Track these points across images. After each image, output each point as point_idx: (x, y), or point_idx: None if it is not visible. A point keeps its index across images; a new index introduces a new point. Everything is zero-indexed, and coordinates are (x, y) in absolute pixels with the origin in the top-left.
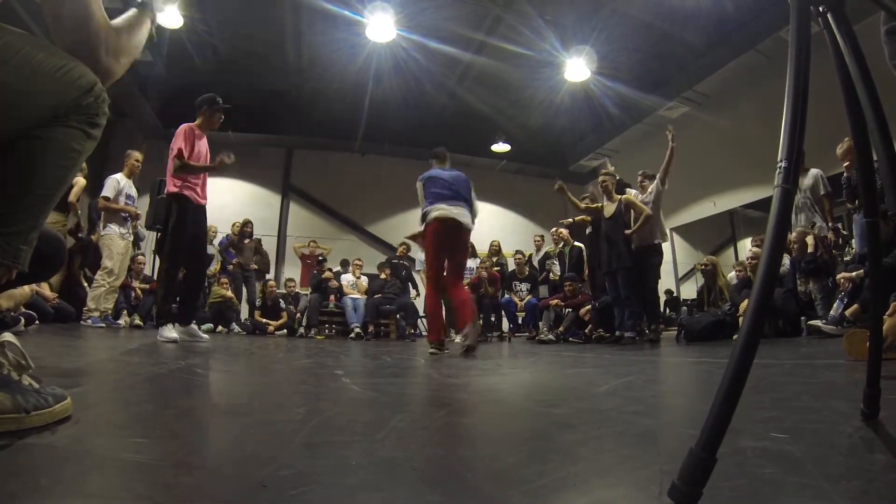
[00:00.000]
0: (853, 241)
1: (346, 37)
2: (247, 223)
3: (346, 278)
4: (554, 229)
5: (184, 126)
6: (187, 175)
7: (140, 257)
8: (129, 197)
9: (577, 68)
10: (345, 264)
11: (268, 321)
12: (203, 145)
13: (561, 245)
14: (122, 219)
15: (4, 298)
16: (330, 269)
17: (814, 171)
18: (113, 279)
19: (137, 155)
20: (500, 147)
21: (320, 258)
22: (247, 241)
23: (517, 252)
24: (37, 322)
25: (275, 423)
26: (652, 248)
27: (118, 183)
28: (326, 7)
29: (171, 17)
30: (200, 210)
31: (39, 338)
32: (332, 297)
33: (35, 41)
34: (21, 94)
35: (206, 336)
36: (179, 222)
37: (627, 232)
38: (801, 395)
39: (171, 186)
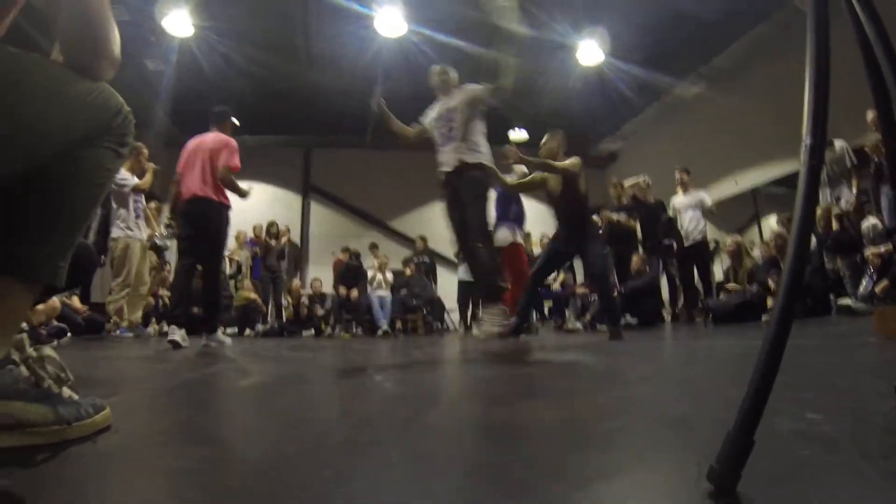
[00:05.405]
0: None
1: (355, 30)
2: (272, 224)
3: (372, 274)
4: None
5: (234, 141)
6: (226, 187)
7: (167, 266)
8: (137, 193)
9: (590, 50)
10: (373, 247)
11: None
12: None
13: None
14: (134, 220)
15: (34, 314)
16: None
17: (839, 143)
18: (131, 288)
19: (137, 144)
20: (518, 135)
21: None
22: (274, 242)
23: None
24: (69, 334)
25: (311, 423)
26: (705, 243)
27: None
28: (336, 2)
29: (182, 26)
30: None
31: (72, 350)
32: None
33: (58, 69)
34: (54, 122)
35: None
36: (225, 229)
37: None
38: (834, 375)
39: (224, 195)
